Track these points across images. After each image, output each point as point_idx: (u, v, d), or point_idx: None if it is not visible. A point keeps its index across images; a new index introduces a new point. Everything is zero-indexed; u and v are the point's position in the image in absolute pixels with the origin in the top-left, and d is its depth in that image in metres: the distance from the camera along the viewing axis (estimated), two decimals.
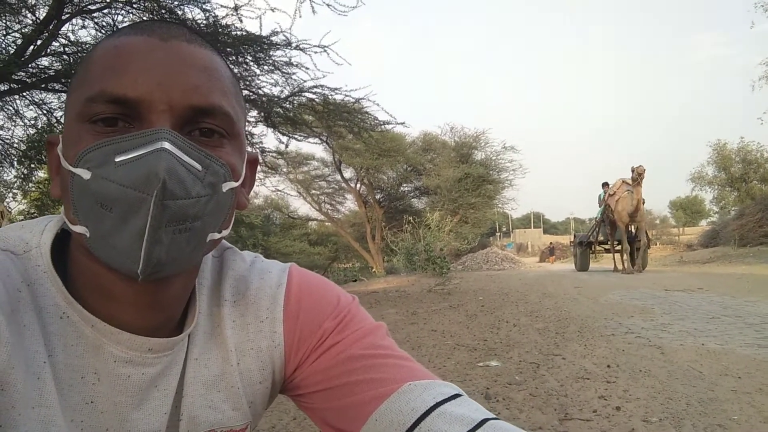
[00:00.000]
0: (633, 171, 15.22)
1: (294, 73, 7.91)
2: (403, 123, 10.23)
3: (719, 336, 4.89)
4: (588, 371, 3.71)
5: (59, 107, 6.51)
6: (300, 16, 7.20)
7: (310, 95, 8.35)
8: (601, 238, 18.70)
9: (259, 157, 0.84)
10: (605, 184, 18.16)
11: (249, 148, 0.76)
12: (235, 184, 0.69)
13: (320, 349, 0.81)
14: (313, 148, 46.17)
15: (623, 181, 16.37)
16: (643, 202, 15.75)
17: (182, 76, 0.64)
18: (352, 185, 28.89)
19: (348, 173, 28.68)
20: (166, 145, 0.60)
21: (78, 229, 0.63)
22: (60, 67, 6.57)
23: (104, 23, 6.97)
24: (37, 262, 0.68)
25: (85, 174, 0.61)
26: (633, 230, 16.88)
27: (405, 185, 30.15)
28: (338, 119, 9.22)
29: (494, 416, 0.72)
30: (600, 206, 18.85)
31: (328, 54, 7.47)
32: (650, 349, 4.41)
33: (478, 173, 26.72)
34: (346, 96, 8.58)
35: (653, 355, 4.18)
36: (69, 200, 0.64)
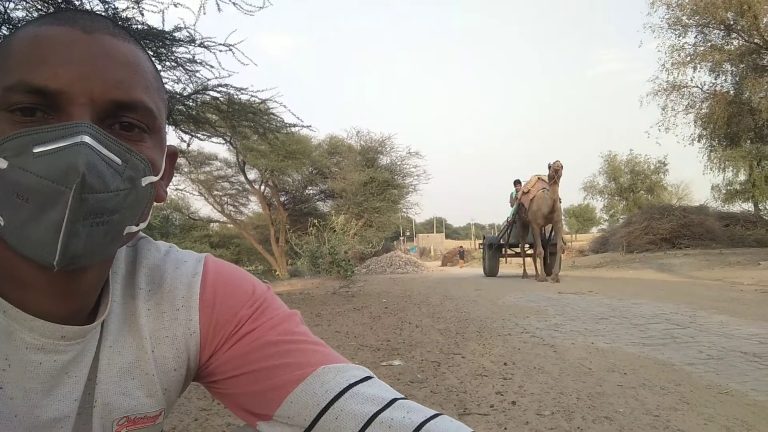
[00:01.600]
0: (549, 167, 13.53)
1: (198, 71, 7.69)
2: (310, 126, 10.14)
3: (607, 335, 5.17)
4: (486, 369, 3.83)
5: None
6: (204, 13, 7.00)
7: (215, 94, 8.14)
8: (512, 240, 17.25)
9: (178, 152, 0.84)
10: (517, 182, 16.91)
11: (168, 143, 0.76)
12: (154, 179, 0.69)
13: (236, 336, 0.82)
14: (216, 148, 45.04)
15: (538, 178, 15.14)
16: (560, 202, 14.21)
17: (105, 70, 0.64)
18: (257, 187, 28.47)
19: (252, 174, 28.26)
20: (87, 138, 0.59)
21: None
22: None
23: None
24: None
25: (2, 163, 0.59)
26: (547, 232, 15.74)
27: (310, 188, 30.08)
28: (243, 119, 9.05)
29: (403, 396, 0.76)
30: (512, 206, 17.34)
31: (233, 53, 7.31)
32: (544, 347, 4.61)
33: (383, 178, 27.04)
34: (252, 96, 8.43)
35: (546, 353, 4.36)
36: None
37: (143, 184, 0.66)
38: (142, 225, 0.71)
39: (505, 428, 2.58)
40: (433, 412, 0.76)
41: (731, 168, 25.47)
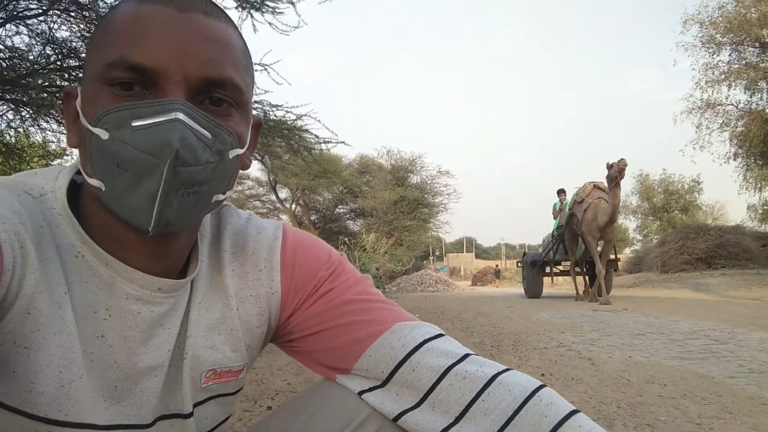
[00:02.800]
0: (611, 167, 11.24)
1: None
2: (344, 141, 10.25)
3: (645, 350, 5.11)
4: None
5: None
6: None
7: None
8: (558, 257, 14.99)
9: (262, 121, 0.89)
10: (561, 192, 15.05)
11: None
12: (240, 151, 0.73)
13: (315, 296, 0.87)
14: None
15: (594, 186, 13.00)
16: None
17: (198, 48, 0.67)
18: (288, 206, 28.71)
19: (283, 194, 28.51)
20: (180, 116, 0.64)
21: (94, 182, 0.67)
22: None
23: (39, 30, 6.80)
24: (53, 205, 0.71)
25: (103, 134, 0.64)
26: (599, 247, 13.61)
27: (341, 207, 30.16)
28: (277, 136, 9.17)
29: (474, 353, 0.80)
30: (555, 219, 15.26)
31: (269, 73, 7.46)
32: (581, 360, 4.58)
33: (413, 196, 27.02)
34: (288, 112, 8.55)
35: (584, 365, 4.34)
36: (86, 155, 0.67)
37: (230, 156, 0.71)
38: (229, 193, 0.76)
39: None
40: (504, 366, 0.80)
41: (760, 187, 24.94)
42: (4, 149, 6.10)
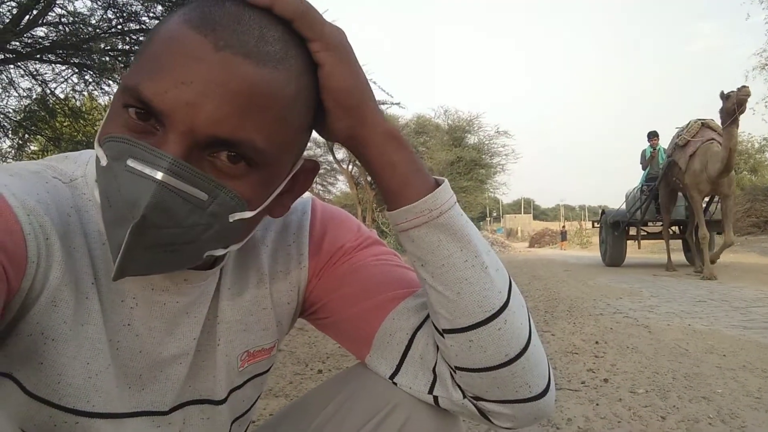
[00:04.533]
0: (727, 98, 8.31)
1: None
2: (399, 103, 10.22)
3: (705, 318, 4.98)
4: (576, 347, 3.78)
5: (53, 79, 6.48)
6: None
7: None
8: (648, 216, 12.17)
9: (319, 166, 0.81)
10: (653, 135, 12.05)
11: (308, 155, 0.76)
12: (248, 215, 0.65)
13: (338, 263, 0.85)
14: None
15: (703, 124, 10.02)
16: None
17: (213, 102, 0.58)
18: (345, 166, 28.80)
19: (340, 154, 28.53)
20: (161, 176, 0.57)
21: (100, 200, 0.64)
22: (55, 37, 6.53)
23: None
24: (83, 190, 0.71)
25: (103, 159, 0.61)
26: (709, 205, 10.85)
27: None
28: None
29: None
30: (644, 169, 12.32)
31: None
32: (637, 328, 4.50)
33: (470, 157, 26.72)
34: None
35: (640, 333, 4.26)
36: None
37: (230, 220, 0.64)
38: (234, 246, 0.71)
39: (597, 404, 2.56)
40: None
41: None
42: (70, 113, 6.28)
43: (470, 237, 0.71)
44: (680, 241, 12.58)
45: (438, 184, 0.72)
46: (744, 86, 8.14)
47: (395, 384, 0.80)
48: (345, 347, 0.89)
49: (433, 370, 0.78)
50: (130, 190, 0.57)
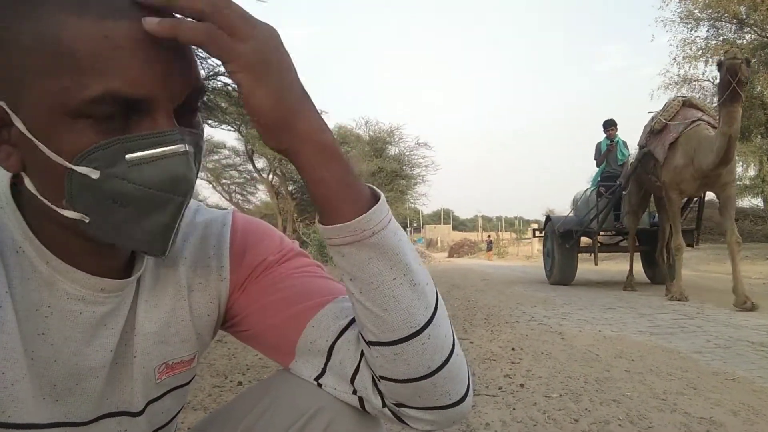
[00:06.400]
0: (720, 65, 6.01)
1: (208, 57, 7.69)
2: (321, 111, 10.15)
3: (615, 324, 5.19)
4: (494, 353, 3.85)
5: None
6: None
7: (226, 80, 8.16)
8: (607, 224, 9.74)
9: None
10: (610, 125, 9.62)
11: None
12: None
13: (261, 276, 0.84)
14: (224, 136, 44.98)
15: (683, 104, 7.62)
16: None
17: (181, 65, 0.62)
18: (265, 176, 28.50)
19: (260, 163, 28.24)
20: (186, 147, 0.61)
21: (71, 214, 0.62)
22: None
23: None
24: None
25: (93, 173, 0.58)
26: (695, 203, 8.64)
27: None
28: None
29: None
30: (599, 165, 10.01)
31: None
32: (552, 334, 4.63)
33: (391, 168, 27.02)
34: None
35: (554, 339, 4.39)
36: (60, 190, 0.61)
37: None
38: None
39: (514, 408, 2.61)
40: None
41: (741, 163, 25.23)
42: None
43: (402, 255, 0.70)
44: (639, 254, 10.21)
45: (375, 197, 0.71)
46: (731, 48, 6.33)
47: (320, 385, 0.79)
48: (268, 357, 0.88)
49: (352, 379, 0.78)
50: (162, 176, 0.60)
